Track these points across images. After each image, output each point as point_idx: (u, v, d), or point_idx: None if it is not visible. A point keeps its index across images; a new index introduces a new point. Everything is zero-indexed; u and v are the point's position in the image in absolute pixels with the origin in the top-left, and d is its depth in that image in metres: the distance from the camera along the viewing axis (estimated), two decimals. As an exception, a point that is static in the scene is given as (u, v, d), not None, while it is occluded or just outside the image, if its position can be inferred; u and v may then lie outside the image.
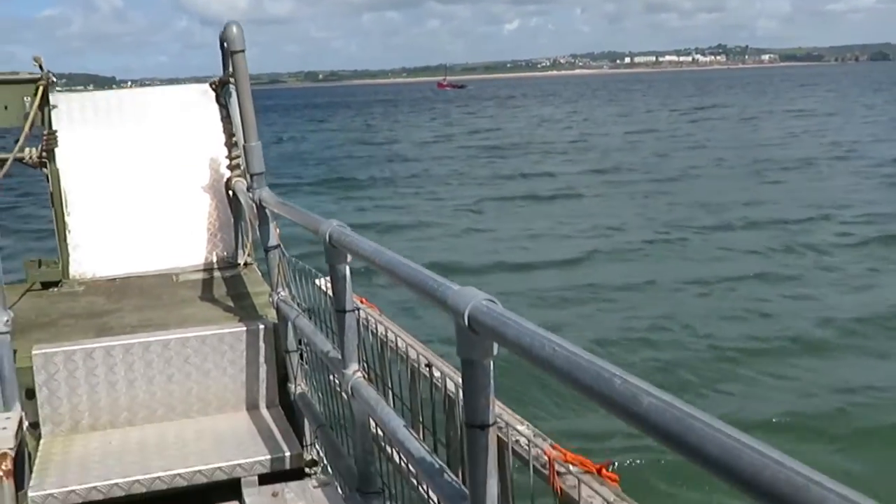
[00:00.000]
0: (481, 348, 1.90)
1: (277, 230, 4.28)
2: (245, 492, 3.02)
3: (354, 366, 3.03)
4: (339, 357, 3.12)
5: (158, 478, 3.70)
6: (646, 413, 1.27)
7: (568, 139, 47.93)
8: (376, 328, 3.06)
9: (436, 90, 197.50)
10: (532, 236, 20.23)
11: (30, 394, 4.06)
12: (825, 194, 24.71)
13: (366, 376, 3.03)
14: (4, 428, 3.66)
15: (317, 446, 4.19)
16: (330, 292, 3.88)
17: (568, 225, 21.43)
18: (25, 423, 3.90)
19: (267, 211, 4.17)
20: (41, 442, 4.02)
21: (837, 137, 43.25)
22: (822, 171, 30.90)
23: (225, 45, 5.04)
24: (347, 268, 2.98)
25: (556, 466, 2.00)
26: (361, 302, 3.16)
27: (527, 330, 1.69)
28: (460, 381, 2.05)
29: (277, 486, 3.04)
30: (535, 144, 44.24)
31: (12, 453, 3.56)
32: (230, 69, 5.12)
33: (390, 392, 2.99)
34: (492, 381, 1.93)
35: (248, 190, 4.52)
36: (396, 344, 2.85)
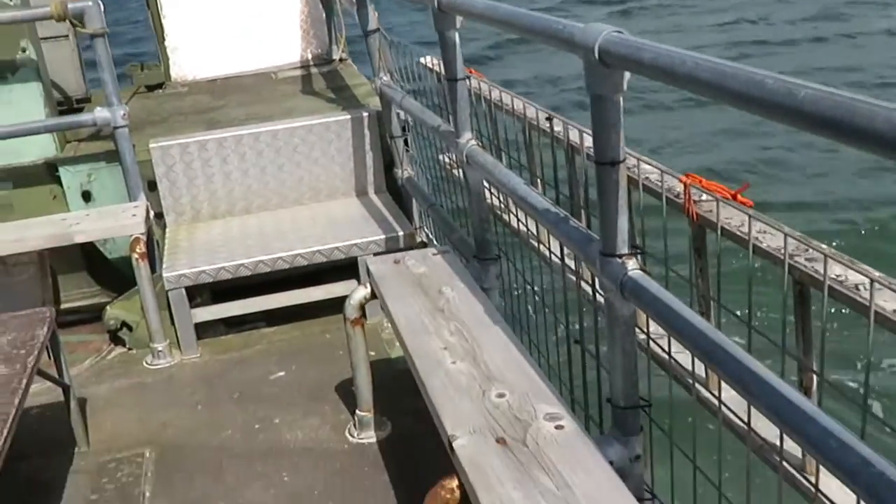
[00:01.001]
0: (612, 82, 1.86)
1: (376, 13, 4.20)
2: (369, 260, 3.13)
3: (468, 134, 3.02)
4: (451, 129, 3.12)
5: (280, 258, 3.86)
6: (801, 104, 1.23)
7: None
8: (489, 93, 3.02)
9: None
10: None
11: (152, 186, 4.23)
12: None
13: (480, 144, 3.03)
14: (134, 216, 3.85)
15: (426, 228, 4.29)
16: (436, 68, 3.85)
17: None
18: (151, 213, 4.08)
19: None
20: (166, 230, 4.22)
21: None
22: None
23: None
24: (457, 34, 2.92)
25: (692, 193, 2.00)
26: (470, 72, 3.12)
27: (663, 51, 1.64)
28: (586, 125, 2.02)
29: (398, 255, 3.13)
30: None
31: (144, 238, 3.76)
32: None
33: (505, 156, 2.99)
34: (622, 117, 1.90)
35: None
36: (513, 105, 2.82)
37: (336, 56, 5.78)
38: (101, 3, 4.04)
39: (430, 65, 3.94)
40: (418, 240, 4.12)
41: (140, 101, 5.27)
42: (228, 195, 4.30)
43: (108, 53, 4.04)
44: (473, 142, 3.00)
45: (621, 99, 1.88)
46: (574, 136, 2.49)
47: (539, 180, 2.97)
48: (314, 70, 5.64)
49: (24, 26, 4.14)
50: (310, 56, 5.89)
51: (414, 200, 4.23)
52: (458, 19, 2.83)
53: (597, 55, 1.81)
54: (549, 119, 2.57)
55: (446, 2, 2.81)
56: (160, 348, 3.81)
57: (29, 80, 4.22)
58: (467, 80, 3.02)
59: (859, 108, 1.12)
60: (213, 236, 4.12)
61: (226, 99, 5.12)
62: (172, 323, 3.87)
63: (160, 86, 5.58)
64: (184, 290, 3.80)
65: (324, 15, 5.87)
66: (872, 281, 1.22)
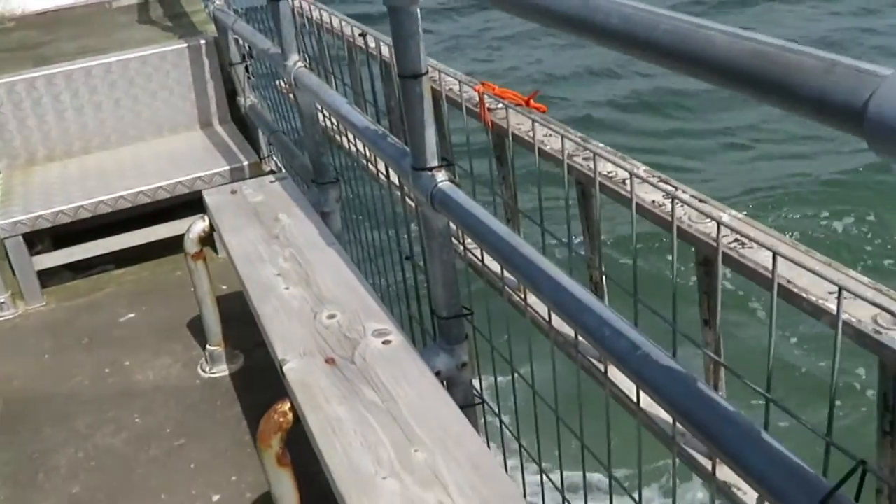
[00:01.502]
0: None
1: None
2: (205, 192, 3.07)
3: (294, 56, 2.96)
4: (280, 51, 3.05)
5: (121, 197, 3.73)
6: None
7: None
8: (311, 13, 2.96)
9: None
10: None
11: None
12: None
13: (308, 66, 2.97)
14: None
15: (274, 157, 4.22)
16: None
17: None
18: None
19: None
20: (0, 176, 4.02)
21: None
22: None
23: None
24: None
25: (486, 101, 2.01)
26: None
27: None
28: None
29: (235, 185, 3.08)
30: None
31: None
32: None
33: (332, 78, 2.95)
34: (420, 30, 1.88)
35: None
36: (332, 24, 2.77)
37: None
38: None
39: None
40: (266, 169, 4.05)
41: None
42: (64, 135, 4.11)
43: None
44: (300, 64, 2.94)
45: (418, 10, 1.86)
46: (386, 52, 2.47)
47: (363, 100, 2.95)
48: None
49: None
50: None
51: (259, 129, 4.14)
52: None
53: None
54: (363, 35, 2.54)
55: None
56: (2, 300, 3.67)
57: None
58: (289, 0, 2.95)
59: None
60: (50, 179, 3.95)
61: (55, 33, 4.86)
62: (14, 273, 3.72)
63: (-15, 21, 5.25)
64: (21, 238, 3.64)
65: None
66: (632, 175, 1.26)
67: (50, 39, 4.73)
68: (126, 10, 5.16)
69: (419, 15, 1.87)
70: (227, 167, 3.84)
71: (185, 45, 4.20)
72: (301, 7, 2.97)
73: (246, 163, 3.87)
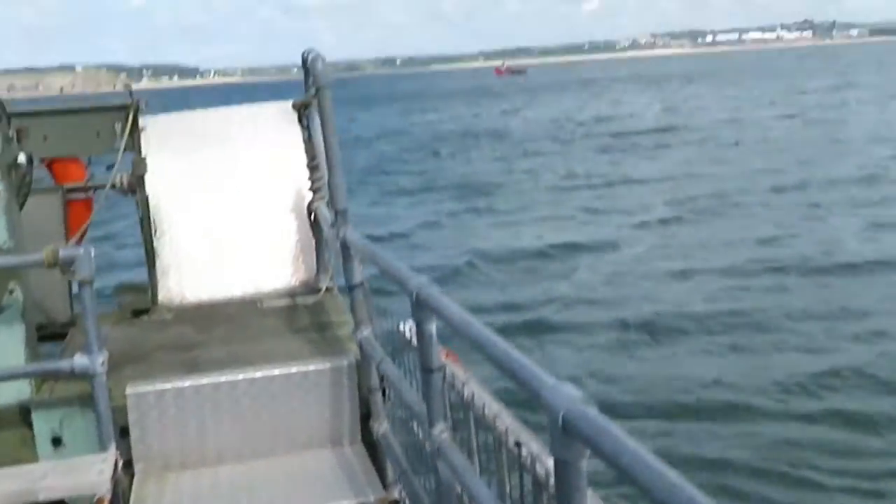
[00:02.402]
0: (576, 450, 1.86)
1: (360, 267, 4.29)
2: None
3: (441, 425, 3.00)
4: (425, 413, 3.11)
5: None
6: None
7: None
8: (462, 390, 3.04)
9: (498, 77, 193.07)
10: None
11: (124, 431, 4.18)
12: None
13: (452, 436, 3.01)
14: (101, 472, 3.77)
15: (400, 486, 4.21)
16: (414, 340, 3.89)
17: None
18: (119, 462, 4.01)
19: (351, 250, 4.19)
20: (134, 480, 4.13)
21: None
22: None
23: (308, 71, 5.08)
24: (434, 326, 2.97)
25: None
26: (447, 357, 3.15)
27: (626, 447, 1.64)
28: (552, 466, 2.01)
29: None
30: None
31: (109, 495, 3.68)
32: (312, 91, 5.16)
33: (476, 460, 2.97)
34: (585, 483, 1.88)
35: (331, 226, 4.54)
36: (483, 412, 2.83)
37: (323, 285, 5.86)
38: (92, 251, 4.12)
39: (408, 334, 3.99)
40: (391, 498, 4.03)
41: (123, 330, 5.29)
42: (201, 444, 4.24)
43: (94, 301, 4.08)
44: (446, 434, 2.98)
45: (585, 465, 1.87)
46: (541, 471, 2.48)
47: (509, 497, 2.94)
48: (300, 300, 5.69)
49: None
50: (297, 283, 5.97)
51: (388, 459, 4.17)
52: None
53: (560, 423, 1.82)
54: (518, 445, 2.56)
55: (424, 299, 2.87)
56: None
57: (13, 322, 4.26)
58: (442, 370, 3.04)
59: None
60: (183, 492, 4.03)
61: (209, 332, 5.14)
62: None
63: (146, 311, 5.63)
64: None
65: (314, 242, 6.00)
66: None
67: (203, 340, 5.01)
68: (276, 313, 5.45)
69: (584, 471, 1.88)
70: (353, 502, 3.84)
71: (329, 365, 4.37)
72: (454, 378, 3.05)
73: (371, 498, 3.87)
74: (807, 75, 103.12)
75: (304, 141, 6.08)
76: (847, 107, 54.35)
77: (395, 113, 79.19)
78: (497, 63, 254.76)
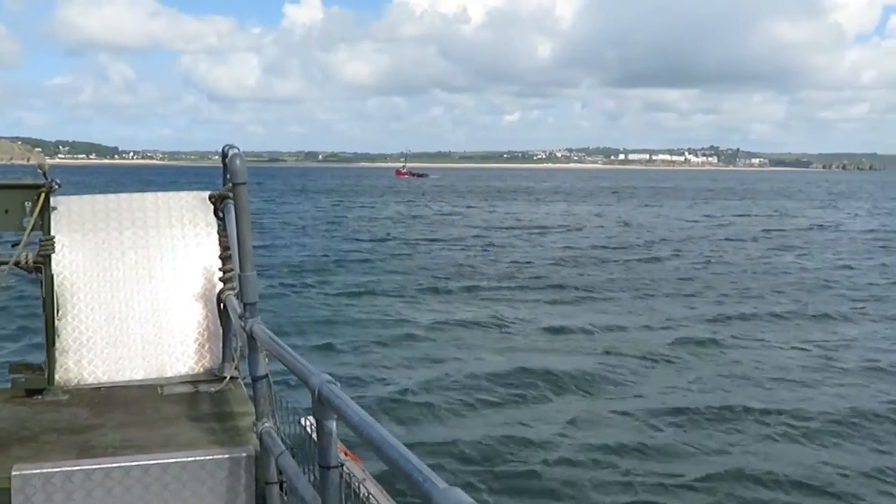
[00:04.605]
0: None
1: (265, 360, 4.27)
2: None
3: (335, 527, 3.00)
4: (320, 508, 3.09)
5: None
6: None
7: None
8: (359, 489, 3.04)
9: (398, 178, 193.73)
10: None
11: None
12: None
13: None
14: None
15: None
16: (314, 435, 3.87)
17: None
18: None
19: (257, 342, 4.18)
20: None
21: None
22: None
23: (227, 166, 5.13)
24: (334, 423, 2.98)
25: None
26: (346, 455, 3.15)
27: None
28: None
29: None
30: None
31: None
32: (229, 185, 5.21)
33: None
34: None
35: (239, 317, 4.53)
36: (379, 509, 2.83)
37: (227, 373, 5.78)
38: None
39: (309, 429, 3.97)
40: None
41: (14, 409, 5.10)
42: None
43: None
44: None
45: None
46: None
47: None
48: (202, 388, 5.59)
49: None
50: (201, 369, 5.88)
51: None
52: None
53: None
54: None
55: (326, 397, 2.89)
56: None
57: None
58: (340, 468, 3.04)
59: None
60: None
61: (104, 416, 5.00)
62: None
63: (40, 391, 5.44)
64: None
65: (221, 331, 5.94)
66: None
67: (98, 424, 4.86)
68: (176, 400, 5.34)
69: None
70: None
71: (227, 455, 4.29)
72: (351, 477, 3.05)
73: None
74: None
75: (218, 231, 6.09)
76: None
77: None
78: (408, 165, 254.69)
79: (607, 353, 18.53)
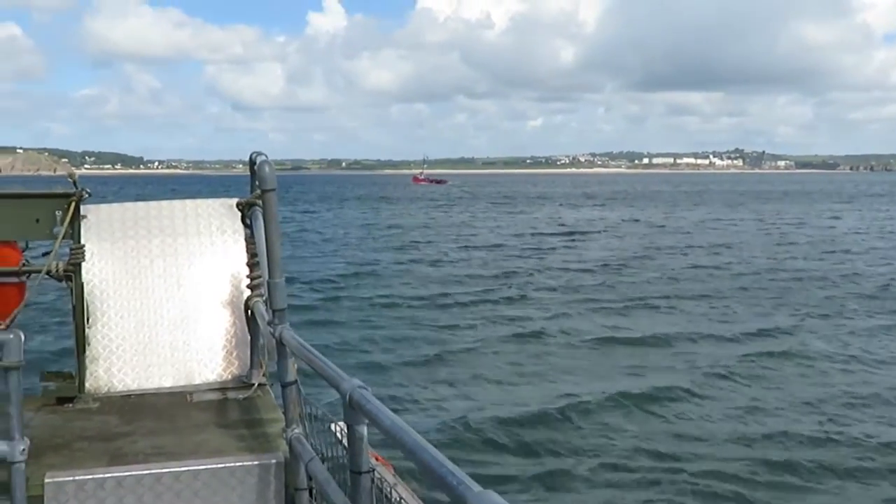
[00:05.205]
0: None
1: (295, 366, 4.29)
2: None
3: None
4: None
5: None
6: None
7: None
8: (390, 494, 3.04)
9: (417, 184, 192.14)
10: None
11: None
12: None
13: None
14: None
15: None
16: (344, 441, 3.88)
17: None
18: None
19: (286, 348, 4.20)
20: None
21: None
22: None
23: (255, 172, 5.17)
24: (365, 428, 2.99)
25: None
26: (377, 460, 3.16)
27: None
28: None
29: None
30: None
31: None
32: (257, 191, 5.23)
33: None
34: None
35: (269, 324, 4.55)
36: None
37: (256, 380, 5.81)
38: (22, 336, 4.05)
39: (339, 435, 3.98)
40: None
41: (45, 418, 5.15)
42: None
43: (20, 387, 4.00)
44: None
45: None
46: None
47: None
48: (231, 395, 5.63)
49: None
50: (229, 377, 5.91)
51: None
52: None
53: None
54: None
55: (357, 402, 2.89)
56: None
57: None
58: (371, 473, 3.05)
59: None
60: None
61: (135, 424, 5.03)
62: None
63: (71, 399, 5.49)
64: None
65: (249, 338, 5.97)
66: None
67: (128, 431, 4.90)
68: (205, 407, 5.37)
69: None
70: None
71: (256, 462, 4.31)
72: (382, 482, 3.06)
73: None
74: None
75: (246, 239, 6.14)
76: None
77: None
78: (426, 171, 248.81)
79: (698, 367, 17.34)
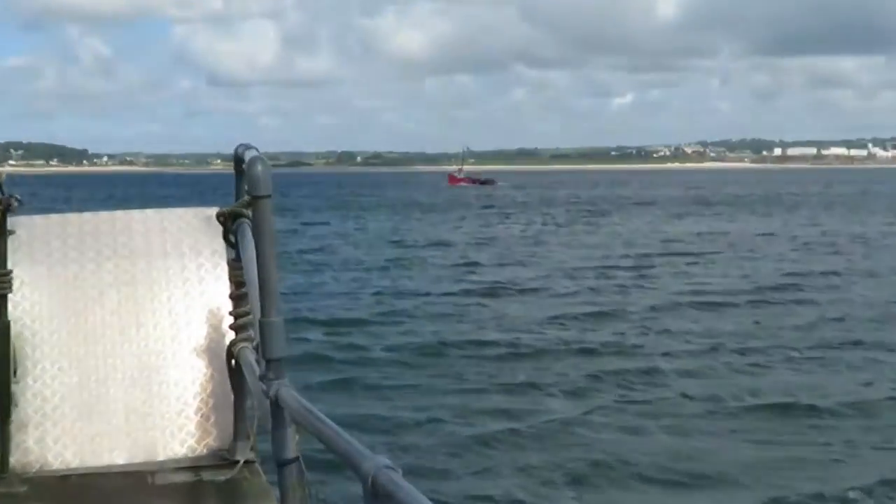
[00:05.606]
0: None
1: (296, 437, 4.30)
2: None
3: None
4: None
5: None
6: None
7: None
8: None
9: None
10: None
11: None
12: None
13: None
14: None
15: None
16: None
17: None
18: None
19: (285, 413, 4.21)
20: None
21: None
22: None
23: (243, 174, 5.20)
24: None
25: None
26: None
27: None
28: None
29: None
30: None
31: None
32: (245, 197, 5.26)
33: None
34: None
35: (260, 379, 4.57)
36: None
37: (241, 456, 5.83)
38: None
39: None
40: None
41: None
42: None
43: None
44: None
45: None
46: None
47: None
48: (207, 476, 5.66)
49: None
50: (205, 451, 5.94)
51: None
52: None
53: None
54: None
55: (384, 487, 2.90)
56: None
57: None
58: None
59: None
60: None
61: None
62: None
63: (-9, 485, 5.57)
64: None
65: (232, 399, 5.99)
66: None
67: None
68: (172, 493, 5.43)
69: None
70: None
71: None
72: None
73: None
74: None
75: (229, 262, 6.12)
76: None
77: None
78: (466, 168, 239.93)
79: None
